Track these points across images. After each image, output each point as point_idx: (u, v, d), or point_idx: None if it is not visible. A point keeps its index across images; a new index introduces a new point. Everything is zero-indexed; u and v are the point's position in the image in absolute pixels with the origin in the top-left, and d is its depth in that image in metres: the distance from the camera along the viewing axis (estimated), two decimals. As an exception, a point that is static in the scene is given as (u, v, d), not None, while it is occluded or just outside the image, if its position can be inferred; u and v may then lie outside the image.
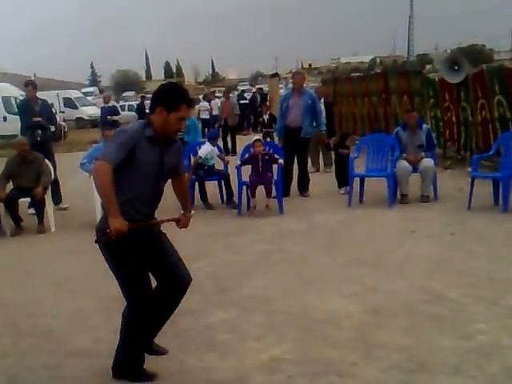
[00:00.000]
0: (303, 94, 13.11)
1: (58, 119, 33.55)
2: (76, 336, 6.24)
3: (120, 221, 4.57)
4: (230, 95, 26.35)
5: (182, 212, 5.39)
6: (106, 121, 21.55)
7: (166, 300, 5.09)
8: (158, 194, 5.01)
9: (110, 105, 23.26)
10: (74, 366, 5.51)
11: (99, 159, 4.64)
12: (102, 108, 23.72)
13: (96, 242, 4.85)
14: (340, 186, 13.35)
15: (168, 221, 5.19)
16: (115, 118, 23.08)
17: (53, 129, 14.34)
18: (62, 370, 5.47)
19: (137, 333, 5.05)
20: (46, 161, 11.95)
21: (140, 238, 4.85)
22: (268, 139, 20.68)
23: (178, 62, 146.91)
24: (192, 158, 13.01)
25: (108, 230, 4.57)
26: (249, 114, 32.99)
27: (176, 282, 5.05)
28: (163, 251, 5.09)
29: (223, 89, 39.32)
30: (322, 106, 15.14)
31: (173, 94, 4.84)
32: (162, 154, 4.88)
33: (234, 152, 22.12)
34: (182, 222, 5.35)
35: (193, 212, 5.43)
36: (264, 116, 23.66)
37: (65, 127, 33.01)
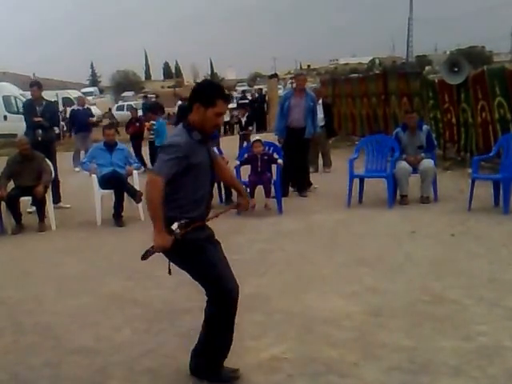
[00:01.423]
0: (305, 95, 13.15)
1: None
2: (77, 334, 6.24)
3: (164, 236, 4.63)
4: None
5: (239, 197, 5.42)
6: (88, 123, 21.31)
7: (216, 315, 5.01)
8: (211, 190, 5.15)
9: (85, 107, 22.72)
10: (75, 363, 5.51)
11: (154, 173, 4.72)
12: (76, 110, 22.39)
13: (142, 259, 4.87)
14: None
15: (225, 211, 5.36)
16: (93, 119, 22.86)
17: (57, 130, 14.35)
18: (63, 367, 5.47)
19: (221, 328, 5.02)
20: (47, 160, 11.99)
21: (204, 236, 4.96)
22: (245, 142, 20.90)
23: (177, 63, 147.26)
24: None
25: (151, 248, 4.67)
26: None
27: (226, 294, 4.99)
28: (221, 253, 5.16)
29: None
30: (320, 107, 15.25)
31: (209, 90, 4.89)
32: (209, 153, 5.01)
33: None
34: (242, 206, 5.45)
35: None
36: (242, 118, 23.77)
37: (64, 127, 32.94)
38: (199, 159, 4.81)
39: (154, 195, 4.64)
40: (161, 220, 4.64)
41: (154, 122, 18.91)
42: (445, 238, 9.29)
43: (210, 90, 4.88)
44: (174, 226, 4.69)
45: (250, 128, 23.44)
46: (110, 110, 49.28)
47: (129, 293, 7.24)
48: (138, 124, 20.85)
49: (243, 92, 40.53)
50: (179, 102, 31.44)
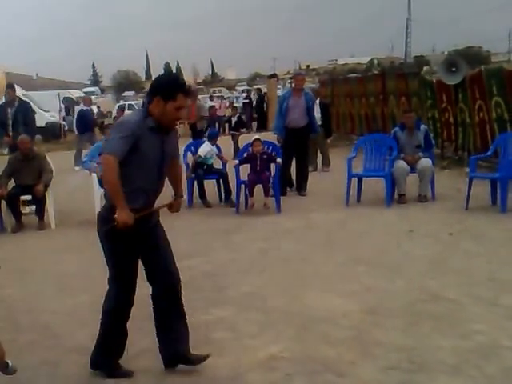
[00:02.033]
0: (304, 95, 13.18)
1: (58, 118, 33.56)
2: (75, 332, 6.25)
3: (128, 213, 4.65)
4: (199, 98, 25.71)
5: (174, 197, 5.38)
6: (103, 124, 21.26)
7: (160, 300, 5.16)
8: (161, 182, 5.06)
9: (90, 107, 22.53)
10: (73, 362, 5.51)
11: (105, 153, 4.72)
12: (84, 110, 22.03)
13: (98, 231, 4.93)
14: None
15: (163, 207, 5.22)
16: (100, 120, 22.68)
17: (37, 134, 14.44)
18: (60, 366, 5.48)
19: (111, 322, 5.15)
20: (48, 159, 12.04)
21: (140, 229, 4.88)
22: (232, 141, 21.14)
23: (177, 63, 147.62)
24: (191, 157, 13.06)
25: (115, 223, 4.65)
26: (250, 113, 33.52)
27: (164, 282, 5.12)
28: (157, 246, 5.12)
29: (223, 89, 40.14)
30: (317, 107, 15.31)
31: (169, 84, 4.88)
32: (162, 143, 4.93)
33: None
34: (174, 207, 5.36)
35: (184, 197, 5.42)
36: (232, 118, 23.89)
37: (65, 126, 33.00)
38: (149, 148, 4.79)
39: (109, 175, 4.67)
40: (121, 197, 4.64)
41: None
42: (443, 236, 9.31)
43: (171, 84, 4.87)
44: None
45: (243, 130, 23.30)
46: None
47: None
48: None
49: (247, 91, 40.85)
50: None
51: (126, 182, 4.68)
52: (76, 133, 22.44)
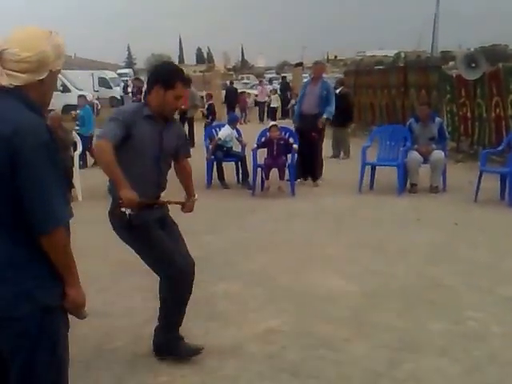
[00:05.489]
0: (320, 84, 13.29)
1: (91, 97, 33.88)
2: (88, 297, 6.48)
3: (130, 191, 4.52)
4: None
5: (186, 197, 5.36)
6: None
7: (173, 288, 5.08)
8: (160, 174, 5.01)
9: None
10: (84, 324, 5.76)
11: (99, 138, 4.75)
12: None
13: (116, 230, 5.00)
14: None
15: (174, 203, 5.19)
16: None
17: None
18: (71, 327, 5.73)
19: (176, 305, 5.12)
20: (74, 133, 12.40)
21: (153, 218, 4.95)
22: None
23: (209, 49, 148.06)
24: (212, 140, 13.34)
25: (120, 201, 4.62)
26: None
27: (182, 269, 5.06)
28: (171, 233, 5.14)
29: (251, 76, 40.50)
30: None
31: (168, 73, 4.90)
32: (161, 134, 4.91)
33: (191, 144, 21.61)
34: (187, 207, 5.27)
35: (196, 196, 5.37)
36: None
37: (98, 105, 33.46)
38: (141, 133, 4.76)
39: (103, 158, 4.61)
40: (120, 176, 4.54)
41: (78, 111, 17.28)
42: (448, 226, 9.51)
43: (171, 73, 4.88)
44: (123, 209, 4.72)
45: None
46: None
47: (141, 263, 7.47)
48: None
49: (283, 78, 41.29)
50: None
51: (125, 171, 4.57)
52: None
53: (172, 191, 5.32)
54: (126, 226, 4.82)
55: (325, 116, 13.05)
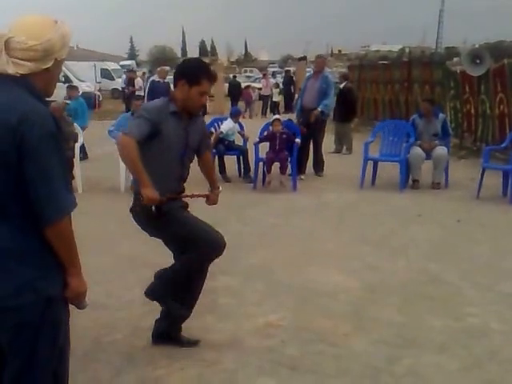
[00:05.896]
0: (321, 78, 13.27)
1: (93, 89, 33.86)
2: (89, 289, 6.50)
3: (152, 190, 4.59)
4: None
5: (210, 189, 5.41)
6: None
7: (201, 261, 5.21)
8: (183, 169, 5.06)
9: (166, 80, 20.13)
10: (83, 316, 5.77)
11: (123, 134, 4.75)
12: (156, 82, 20.35)
13: (136, 220, 5.03)
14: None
15: (198, 196, 5.23)
16: None
17: None
18: (70, 319, 5.74)
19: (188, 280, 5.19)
20: (75, 124, 12.46)
21: (177, 206, 5.01)
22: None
23: (212, 42, 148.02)
24: (214, 133, 13.32)
25: (141, 198, 4.65)
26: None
27: (215, 242, 5.22)
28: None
29: (254, 69, 40.52)
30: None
31: (195, 69, 4.90)
32: (186, 130, 4.94)
33: None
34: (211, 199, 5.36)
35: (220, 189, 5.44)
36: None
37: (99, 96, 33.39)
38: (171, 132, 4.81)
39: (127, 154, 4.65)
40: (144, 174, 4.59)
41: (68, 102, 16.25)
42: (450, 223, 9.50)
43: (196, 69, 4.88)
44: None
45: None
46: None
47: (142, 256, 7.42)
48: None
49: (286, 72, 41.34)
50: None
51: (148, 167, 4.62)
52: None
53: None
54: (154, 215, 4.85)
55: (319, 109, 12.95)
